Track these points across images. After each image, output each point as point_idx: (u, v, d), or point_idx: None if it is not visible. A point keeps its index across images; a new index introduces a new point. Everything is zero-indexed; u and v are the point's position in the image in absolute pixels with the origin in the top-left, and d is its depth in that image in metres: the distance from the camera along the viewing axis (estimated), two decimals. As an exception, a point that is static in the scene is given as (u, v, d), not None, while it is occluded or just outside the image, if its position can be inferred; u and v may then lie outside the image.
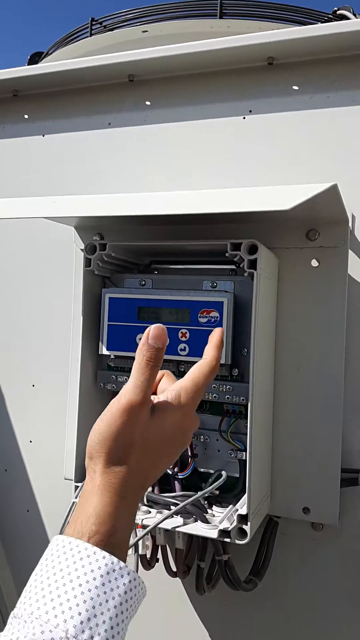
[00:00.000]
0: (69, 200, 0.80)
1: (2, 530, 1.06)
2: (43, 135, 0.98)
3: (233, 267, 0.76)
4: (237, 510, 0.69)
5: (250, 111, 0.84)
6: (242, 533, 0.67)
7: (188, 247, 0.76)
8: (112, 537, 0.46)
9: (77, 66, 0.92)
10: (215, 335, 0.60)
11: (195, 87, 0.87)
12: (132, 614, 0.46)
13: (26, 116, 1.00)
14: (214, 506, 0.76)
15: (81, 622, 0.41)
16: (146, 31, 1.10)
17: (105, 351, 0.77)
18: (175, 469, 0.77)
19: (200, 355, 0.70)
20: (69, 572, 0.43)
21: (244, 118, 0.85)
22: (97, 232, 0.90)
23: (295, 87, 0.82)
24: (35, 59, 1.37)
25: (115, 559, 0.45)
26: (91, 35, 1.19)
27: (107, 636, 0.42)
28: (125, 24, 1.17)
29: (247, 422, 0.74)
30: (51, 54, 1.24)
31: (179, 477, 0.77)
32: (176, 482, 0.77)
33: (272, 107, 0.83)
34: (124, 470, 0.49)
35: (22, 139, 1.00)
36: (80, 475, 0.77)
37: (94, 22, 1.21)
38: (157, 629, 0.93)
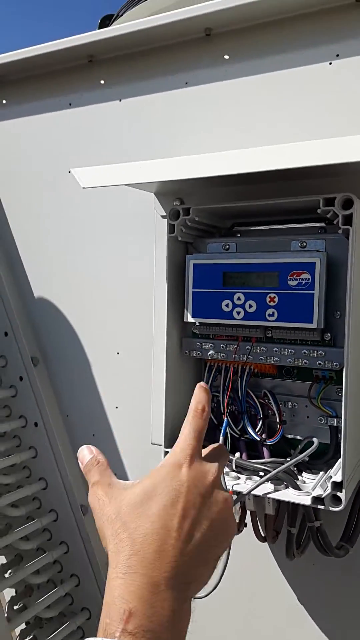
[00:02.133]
0: (149, 166, 0.78)
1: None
2: (120, 100, 0.97)
3: (323, 224, 0.72)
4: (331, 477, 0.67)
5: (337, 55, 0.78)
6: (337, 500, 0.66)
7: (274, 206, 0.72)
8: (129, 624, 0.40)
9: (151, 25, 0.89)
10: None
11: (277, 34, 0.82)
12: None
13: (102, 81, 0.99)
14: (303, 472, 0.74)
15: None
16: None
17: (190, 318, 0.76)
18: (264, 435, 0.76)
19: (292, 320, 0.68)
20: None
21: (330, 63, 0.79)
22: (177, 197, 0.88)
23: (390, 25, 0.74)
24: (106, 22, 1.34)
25: None
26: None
27: None
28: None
29: (337, 388, 0.71)
30: (122, 15, 1.21)
31: (268, 443, 0.76)
32: (264, 449, 0.76)
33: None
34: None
35: (99, 105, 0.99)
36: (170, 441, 0.78)
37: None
38: (244, 593, 0.94)
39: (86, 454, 0.56)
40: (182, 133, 0.91)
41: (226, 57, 0.86)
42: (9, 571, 1.12)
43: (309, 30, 0.80)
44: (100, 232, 1.03)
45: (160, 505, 0.46)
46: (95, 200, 1.03)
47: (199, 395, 0.58)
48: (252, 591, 0.94)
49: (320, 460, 0.75)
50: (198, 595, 0.47)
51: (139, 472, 1.05)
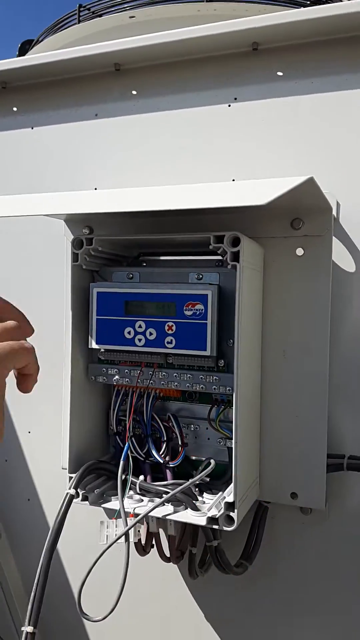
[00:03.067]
0: (55, 198, 0.80)
1: (4, 519, 1.09)
2: (32, 128, 0.98)
3: (220, 258, 0.76)
4: (225, 497, 0.71)
5: (236, 99, 0.84)
6: (230, 520, 0.69)
7: (173, 240, 0.76)
8: None
9: (64, 57, 0.92)
10: None
11: (181, 74, 0.87)
12: None
13: (15, 109, 1.00)
14: (204, 493, 0.77)
15: None
16: (133, 17, 1.09)
17: (94, 345, 0.78)
18: (167, 458, 0.79)
19: (188, 348, 0.71)
20: None
21: (229, 106, 0.84)
22: (87, 224, 0.90)
23: (280, 73, 0.81)
24: (25, 47, 1.36)
25: None
26: (79, 22, 1.17)
27: None
28: (113, 9, 1.15)
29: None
30: (41, 41, 1.23)
31: (170, 465, 0.78)
32: (167, 471, 0.79)
33: (256, 94, 0.82)
34: None
35: (10, 132, 1.00)
36: (75, 466, 0.79)
37: (81, 9, 1.19)
38: (154, 610, 0.96)
39: None
40: (90, 164, 0.94)
41: (134, 92, 0.90)
42: None
43: (210, 73, 0.85)
44: (13, 258, 1.03)
45: None
46: (12, 223, 1.03)
47: None
48: (165, 612, 0.95)
49: (220, 481, 0.78)
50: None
51: (52, 495, 1.05)
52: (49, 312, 1.00)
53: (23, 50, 1.27)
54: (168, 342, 0.72)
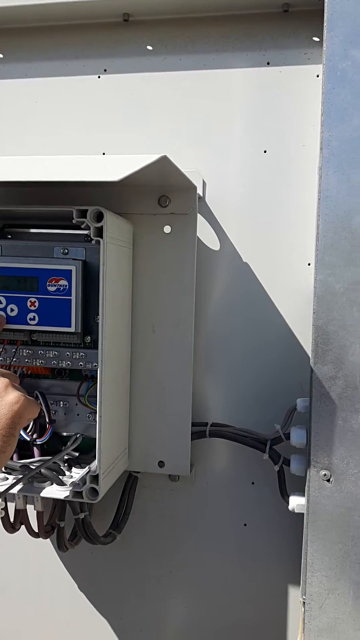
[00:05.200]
0: None
1: None
2: None
3: (87, 232, 0.75)
4: (90, 471, 0.72)
5: (105, 70, 0.82)
6: (94, 492, 0.70)
7: (35, 212, 0.74)
8: None
9: None
10: None
11: (49, 40, 0.83)
12: None
13: None
14: (73, 468, 0.78)
15: None
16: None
17: None
18: (34, 435, 0.78)
19: (51, 325, 0.70)
20: None
21: (99, 77, 0.83)
22: None
23: (150, 48, 0.80)
24: None
25: None
26: None
27: None
28: None
29: (104, 386, 0.76)
30: None
31: (37, 443, 0.77)
32: (35, 448, 0.78)
33: (127, 67, 0.81)
34: None
35: None
36: None
37: None
38: (30, 585, 0.96)
39: None
40: None
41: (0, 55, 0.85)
42: None
43: (80, 42, 0.83)
44: None
45: None
46: None
47: None
48: (40, 586, 0.95)
49: (89, 455, 0.79)
50: None
51: None
52: None
53: None
54: (31, 319, 0.71)
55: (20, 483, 0.70)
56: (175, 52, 0.80)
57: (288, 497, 0.78)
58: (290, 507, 0.76)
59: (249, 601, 0.87)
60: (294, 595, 0.85)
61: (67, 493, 0.70)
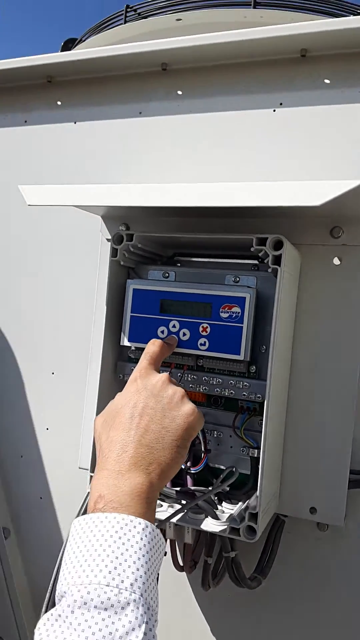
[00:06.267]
0: (98, 190, 0.79)
1: (16, 516, 1.08)
2: (74, 122, 0.98)
3: (256, 262, 0.75)
4: (247, 507, 0.68)
5: (281, 104, 0.83)
6: (252, 531, 0.67)
7: (213, 240, 0.75)
8: (100, 503, 0.52)
9: (110, 53, 0.92)
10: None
11: (227, 78, 0.86)
12: (156, 556, 0.51)
13: (59, 102, 1.00)
14: (223, 502, 0.75)
15: (109, 572, 0.46)
16: (180, 20, 1.09)
17: (126, 342, 0.77)
18: (188, 464, 0.77)
19: (221, 351, 0.70)
20: (90, 539, 0.49)
21: (274, 111, 0.83)
22: (123, 222, 0.90)
23: (327, 81, 0.80)
24: (68, 45, 1.37)
25: (116, 515, 0.50)
26: (125, 22, 1.18)
27: (135, 577, 0.47)
28: (159, 11, 1.16)
29: (260, 419, 0.73)
30: (85, 40, 1.24)
31: (192, 472, 0.76)
32: (188, 477, 0.77)
33: (302, 101, 0.81)
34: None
35: (53, 126, 1.00)
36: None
37: (128, 10, 1.20)
38: (161, 620, 0.93)
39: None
40: (132, 161, 0.93)
41: (179, 92, 0.89)
42: None
43: (256, 77, 0.84)
44: (44, 250, 1.03)
45: (122, 415, 0.60)
46: (42, 219, 1.03)
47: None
48: (166, 624, 0.92)
49: (240, 491, 0.76)
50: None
51: (65, 495, 1.03)
52: (76, 308, 0.99)
53: (66, 48, 1.28)
54: (201, 344, 0.71)
55: (185, 513, 0.69)
56: (354, 85, 0.79)
57: None
58: None
59: None
60: None
61: (224, 528, 0.68)
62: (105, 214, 0.92)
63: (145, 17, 1.15)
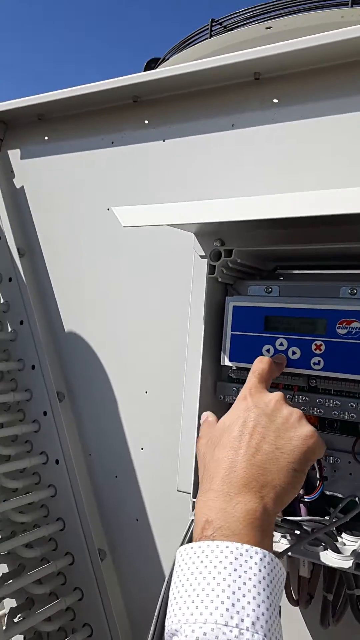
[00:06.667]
0: (192, 207, 0.77)
1: (112, 538, 1.06)
2: (163, 140, 0.97)
3: (372, 273, 0.69)
4: (376, 543, 0.62)
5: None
6: (382, 569, 0.61)
7: (319, 251, 0.70)
8: (208, 530, 0.47)
9: (195, 68, 0.90)
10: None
11: (327, 81, 0.82)
12: (277, 589, 0.46)
13: (146, 121, 1.00)
14: (343, 533, 0.69)
15: (227, 610, 0.42)
16: (270, 27, 1.06)
17: (227, 362, 0.74)
18: (302, 491, 0.72)
19: (340, 371, 0.65)
20: (200, 571, 0.45)
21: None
22: (218, 237, 0.87)
23: None
24: (151, 65, 1.38)
25: (230, 543, 0.45)
26: (211, 36, 1.17)
27: (257, 615, 0.42)
28: (246, 21, 1.13)
29: (384, 445, 0.67)
30: (168, 59, 1.23)
31: (306, 500, 0.71)
32: (302, 505, 0.72)
33: None
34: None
35: (142, 145, 1.00)
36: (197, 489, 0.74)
37: (213, 23, 1.18)
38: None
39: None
40: (226, 175, 0.91)
41: (275, 100, 0.86)
42: (19, 616, 1.07)
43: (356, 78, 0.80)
44: (137, 270, 1.03)
45: (229, 433, 0.55)
46: (134, 239, 1.02)
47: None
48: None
49: (361, 522, 0.70)
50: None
51: (162, 518, 1.00)
52: (169, 327, 0.97)
53: (149, 68, 1.29)
54: (315, 363, 0.66)
55: (299, 544, 0.64)
56: None
57: None
58: None
59: None
60: None
61: (347, 562, 0.62)
62: (198, 230, 0.89)
63: (231, 30, 1.12)
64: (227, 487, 0.50)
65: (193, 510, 0.74)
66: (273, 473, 0.51)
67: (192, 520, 0.72)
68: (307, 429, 0.55)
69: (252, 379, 0.62)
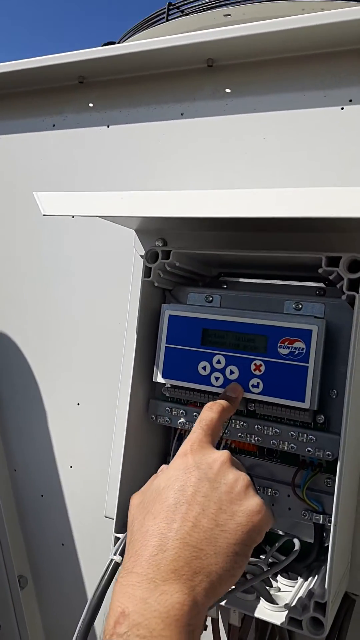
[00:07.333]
0: (126, 198, 0.68)
1: (34, 563, 0.96)
2: (108, 126, 0.88)
3: (322, 285, 0.62)
4: (312, 593, 0.55)
5: (351, 100, 0.70)
6: (318, 625, 0.53)
7: (268, 259, 0.62)
8: (122, 626, 0.39)
9: (146, 48, 0.81)
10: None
11: (283, 73, 0.74)
12: None
13: (91, 104, 0.90)
14: (279, 576, 0.62)
15: None
16: (229, 15, 0.99)
17: (160, 379, 0.65)
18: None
19: (279, 396, 0.57)
20: None
21: (342, 109, 0.71)
22: (160, 237, 0.78)
23: None
24: (106, 48, 1.28)
25: None
26: (167, 20, 1.08)
27: None
28: (204, 6, 1.06)
29: (327, 478, 0.60)
30: (125, 42, 1.14)
31: (240, 537, 0.63)
32: (235, 543, 0.64)
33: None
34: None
35: (84, 130, 0.91)
36: (123, 522, 0.65)
37: (171, 7, 1.10)
38: None
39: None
40: (172, 167, 0.82)
41: (228, 90, 0.78)
42: None
43: (318, 71, 0.72)
44: (73, 267, 0.93)
45: (164, 499, 0.47)
46: (72, 231, 0.93)
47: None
48: None
49: (301, 563, 0.62)
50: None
51: (90, 543, 0.91)
52: (107, 333, 0.88)
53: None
54: (253, 385, 0.58)
55: (230, 594, 0.56)
56: None
57: None
58: None
59: None
60: None
61: (282, 617, 0.54)
62: (139, 227, 0.81)
63: (188, 15, 1.05)
64: (153, 572, 0.42)
65: (115, 547, 0.65)
66: (210, 557, 0.43)
67: (111, 560, 0.62)
68: (253, 502, 0.47)
69: (197, 430, 0.53)
